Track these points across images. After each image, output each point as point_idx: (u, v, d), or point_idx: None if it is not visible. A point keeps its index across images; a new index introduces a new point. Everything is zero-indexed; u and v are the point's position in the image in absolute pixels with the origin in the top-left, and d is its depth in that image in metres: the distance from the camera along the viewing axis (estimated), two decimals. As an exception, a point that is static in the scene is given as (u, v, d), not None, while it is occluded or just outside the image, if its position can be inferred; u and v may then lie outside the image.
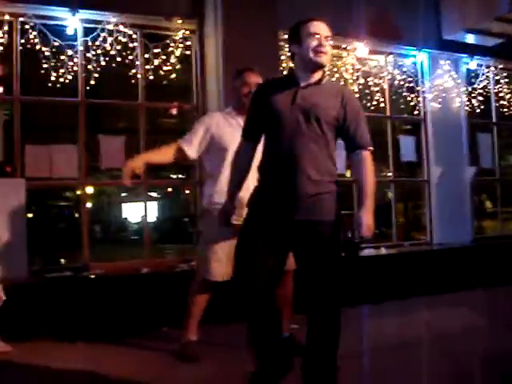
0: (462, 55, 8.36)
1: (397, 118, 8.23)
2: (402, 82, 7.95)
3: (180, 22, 6.36)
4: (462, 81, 8.32)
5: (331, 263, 3.06)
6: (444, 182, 8.00)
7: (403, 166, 8.33)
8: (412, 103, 8.07)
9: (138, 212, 8.41)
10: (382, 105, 7.82)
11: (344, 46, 7.44)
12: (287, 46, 6.70)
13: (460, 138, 8.24)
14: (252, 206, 3.12)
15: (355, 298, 5.82)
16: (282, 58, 6.86)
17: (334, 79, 7.45)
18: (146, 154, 4.36)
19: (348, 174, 7.80)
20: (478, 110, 8.53)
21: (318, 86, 3.05)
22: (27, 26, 5.78)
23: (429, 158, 8.12)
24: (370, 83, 7.72)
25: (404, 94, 7.99)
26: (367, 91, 7.70)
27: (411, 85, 8.02)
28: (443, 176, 7.99)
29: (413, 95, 8.03)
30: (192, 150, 4.19)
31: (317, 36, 3.00)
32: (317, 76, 3.05)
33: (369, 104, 7.71)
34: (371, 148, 3.21)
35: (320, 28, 3.05)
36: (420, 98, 8.09)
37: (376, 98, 7.73)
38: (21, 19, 5.79)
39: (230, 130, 4.10)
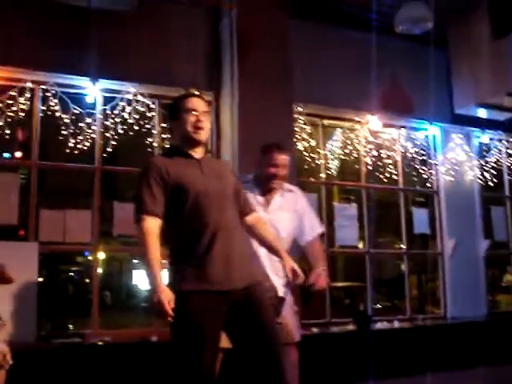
0: (474, 129, 8.45)
1: (409, 190, 8.25)
2: (414, 155, 8.01)
3: (197, 93, 6.49)
4: (475, 154, 8.38)
5: None
6: (458, 254, 7.93)
7: (416, 238, 8.29)
8: (425, 176, 8.10)
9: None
10: (395, 177, 7.86)
11: (357, 119, 7.55)
12: (301, 117, 6.94)
13: (473, 210, 8.23)
14: None
15: (365, 372, 5.70)
16: (296, 129, 6.97)
17: (347, 151, 7.53)
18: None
19: (360, 245, 7.78)
20: (491, 184, 8.54)
21: (210, 159, 3.25)
22: (48, 94, 5.94)
23: (442, 231, 8.08)
24: (383, 155, 7.78)
25: (416, 166, 8.04)
26: (380, 163, 7.76)
27: (424, 158, 8.08)
28: (457, 249, 7.93)
29: (425, 168, 8.08)
30: None
31: (194, 112, 3.03)
32: (200, 151, 3.10)
33: (382, 176, 7.76)
34: None
35: (198, 104, 3.07)
36: (433, 171, 8.13)
37: (389, 170, 7.78)
38: (42, 87, 5.96)
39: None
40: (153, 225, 2.84)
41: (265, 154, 4.04)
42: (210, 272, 2.83)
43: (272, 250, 3.29)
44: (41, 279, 6.38)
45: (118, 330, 5.88)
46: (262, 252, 3.68)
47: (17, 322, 5.04)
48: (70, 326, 6.05)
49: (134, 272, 12.20)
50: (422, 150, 8.09)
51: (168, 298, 2.72)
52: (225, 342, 3.41)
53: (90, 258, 6.59)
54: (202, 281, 2.82)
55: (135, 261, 11.57)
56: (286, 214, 4.04)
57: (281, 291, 3.90)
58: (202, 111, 3.04)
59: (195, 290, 2.80)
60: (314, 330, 6.47)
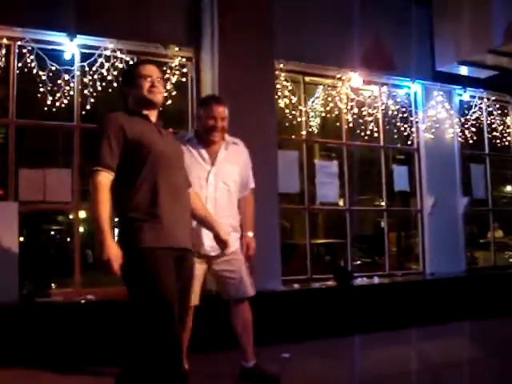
0: (456, 87, 8.46)
1: (390, 147, 8.27)
2: (395, 113, 8.02)
3: (177, 49, 6.42)
4: (455, 112, 8.40)
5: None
6: (437, 211, 8.02)
7: (396, 195, 8.36)
8: (405, 133, 8.13)
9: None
10: (376, 134, 7.87)
11: (338, 76, 7.51)
12: (283, 74, 6.88)
13: (453, 168, 8.29)
14: None
15: (346, 327, 5.80)
16: (278, 85, 6.92)
17: (328, 108, 7.51)
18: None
19: (341, 202, 7.83)
20: (471, 141, 8.60)
21: (162, 125, 3.27)
22: (25, 50, 5.82)
23: (422, 188, 8.15)
24: (364, 113, 7.78)
25: (398, 124, 8.05)
26: (361, 121, 7.76)
27: (405, 115, 8.09)
28: (436, 206, 8.01)
29: (406, 125, 8.09)
30: None
31: (148, 79, 3.16)
32: (155, 114, 3.23)
33: (363, 133, 7.77)
34: None
35: (152, 70, 3.21)
36: (413, 129, 8.15)
37: (370, 127, 7.78)
38: (19, 43, 5.83)
39: (190, 160, 3.89)
40: (106, 179, 2.90)
41: (203, 107, 4.13)
42: (164, 230, 2.92)
43: (205, 222, 3.46)
44: (22, 239, 6.36)
45: (100, 288, 5.88)
46: (210, 209, 3.81)
47: (-2, 282, 5.03)
48: (53, 286, 6.06)
49: (116, 231, 12.18)
50: (403, 107, 8.10)
51: (117, 254, 2.78)
52: (195, 299, 3.86)
53: (71, 216, 6.56)
54: (158, 238, 2.89)
55: (116, 219, 11.52)
56: (232, 167, 4.15)
57: (234, 246, 4.06)
58: (156, 77, 3.18)
59: (153, 247, 2.87)
60: (295, 285, 6.54)
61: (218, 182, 4.06)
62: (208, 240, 3.83)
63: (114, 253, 2.76)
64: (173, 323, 2.82)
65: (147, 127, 3.09)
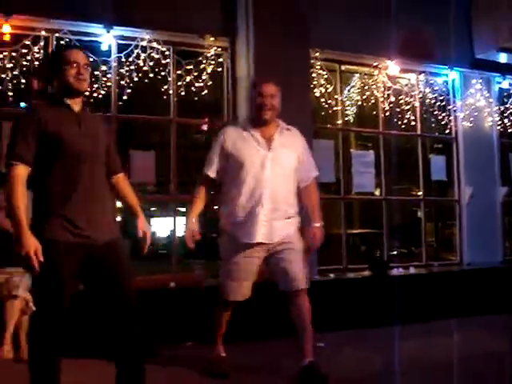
0: (495, 74, 8.30)
1: (428, 136, 8.17)
2: (433, 101, 7.92)
3: (212, 39, 6.44)
4: (494, 100, 8.25)
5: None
6: (475, 201, 7.91)
7: (433, 185, 8.26)
8: (443, 122, 8.02)
9: (167, 227, 8.46)
10: (413, 123, 7.79)
11: (375, 64, 7.44)
12: (318, 62, 6.85)
13: (492, 157, 8.16)
14: None
15: (381, 318, 5.77)
16: (313, 75, 6.89)
17: (364, 97, 7.45)
18: (192, 212, 4.08)
19: (377, 192, 7.78)
20: (510, 130, 8.44)
21: (87, 114, 3.16)
22: (63, 42, 5.89)
23: (460, 177, 8.04)
24: (401, 102, 7.69)
25: (435, 112, 7.95)
26: (398, 110, 7.68)
27: (443, 103, 7.98)
28: (474, 196, 7.90)
29: (444, 114, 7.98)
30: (215, 175, 4.05)
31: (75, 65, 3.00)
32: (79, 102, 3.08)
33: (399, 122, 7.69)
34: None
35: (78, 56, 3.05)
36: (451, 117, 8.03)
37: (407, 116, 7.70)
38: (56, 35, 5.92)
39: (245, 145, 3.92)
40: (23, 172, 2.85)
41: (253, 88, 4.08)
42: (72, 225, 2.90)
43: (131, 209, 3.36)
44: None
45: (137, 276, 5.94)
46: (266, 196, 3.81)
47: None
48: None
49: (152, 220, 12.30)
50: (440, 95, 7.98)
51: (35, 248, 2.75)
52: (246, 292, 4.00)
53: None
54: (65, 232, 2.89)
55: (152, 208, 11.65)
56: (289, 153, 3.98)
57: (290, 236, 3.94)
58: (83, 63, 3.03)
59: (57, 240, 2.86)
60: (331, 275, 6.54)
61: (275, 168, 3.88)
62: (262, 228, 3.80)
63: (33, 246, 2.75)
64: (51, 311, 2.91)
65: (66, 118, 2.99)
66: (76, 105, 3.05)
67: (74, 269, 2.91)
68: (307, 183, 4.11)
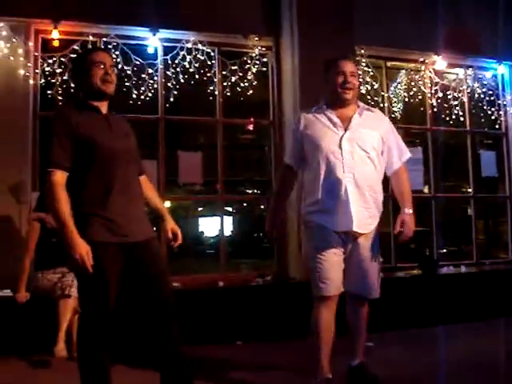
0: (545, 67, 8.08)
1: (477, 132, 8.01)
2: (482, 96, 7.76)
3: (257, 39, 6.46)
4: (545, 94, 8.03)
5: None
6: (527, 197, 7.73)
7: (484, 181, 8.10)
8: (493, 117, 7.85)
9: (215, 226, 8.53)
10: (462, 119, 7.65)
11: (421, 59, 7.33)
12: (364, 60, 6.79)
13: (544, 152, 7.96)
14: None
15: (432, 317, 5.69)
16: (359, 72, 6.83)
17: (411, 93, 7.36)
18: (274, 205, 3.81)
19: (426, 189, 7.67)
20: None
21: (114, 116, 3.17)
22: (110, 46, 6.01)
23: (511, 174, 7.86)
24: (449, 97, 7.57)
25: (484, 107, 7.79)
26: (446, 105, 7.56)
27: (492, 98, 7.81)
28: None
29: (493, 109, 7.82)
30: (291, 161, 3.77)
31: (102, 66, 3.01)
32: (106, 104, 3.10)
33: (448, 118, 7.56)
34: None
35: (105, 57, 3.06)
36: (501, 112, 7.86)
37: (455, 112, 7.57)
38: (104, 39, 6.03)
39: (319, 127, 3.60)
40: (61, 178, 2.90)
41: (329, 67, 3.71)
42: (112, 225, 2.95)
43: (157, 211, 3.36)
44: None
45: (186, 276, 6.02)
46: (349, 179, 3.48)
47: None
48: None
49: (200, 219, 12.43)
50: (489, 90, 7.81)
51: (87, 250, 2.80)
52: (337, 287, 3.56)
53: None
54: (107, 232, 2.93)
55: (200, 208, 11.77)
56: (371, 132, 3.61)
57: (373, 233, 3.66)
58: (109, 64, 3.06)
59: (100, 241, 2.90)
60: (380, 274, 6.46)
61: (355, 148, 3.52)
62: (354, 214, 3.49)
63: (84, 248, 2.80)
64: (101, 310, 2.94)
65: (96, 121, 3.03)
66: (103, 107, 3.09)
67: (117, 268, 2.96)
68: (396, 168, 3.77)
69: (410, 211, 3.71)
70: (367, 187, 3.55)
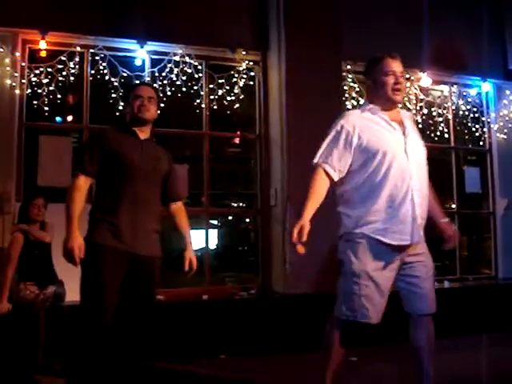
0: (529, 85, 8.18)
1: (461, 148, 8.09)
2: (466, 113, 7.84)
3: (244, 53, 6.48)
4: (529, 111, 8.13)
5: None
6: (510, 214, 7.78)
7: (468, 197, 8.16)
8: (477, 134, 7.93)
9: (199, 239, 8.49)
10: (446, 135, 7.72)
11: (407, 76, 7.39)
12: (350, 75, 6.84)
13: (527, 169, 8.03)
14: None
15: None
16: (345, 87, 6.88)
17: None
18: (307, 209, 3.15)
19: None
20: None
21: (153, 142, 3.56)
22: (97, 58, 6.01)
23: (494, 190, 7.93)
24: (434, 113, 7.64)
25: (469, 124, 7.87)
26: (431, 121, 7.62)
27: (476, 115, 7.89)
28: (509, 208, 7.78)
29: (478, 126, 7.90)
30: (334, 168, 3.26)
31: (140, 98, 3.46)
32: (147, 131, 3.52)
33: (432, 134, 7.63)
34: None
35: (144, 90, 3.53)
36: (485, 129, 7.94)
37: (440, 128, 7.64)
38: (91, 51, 6.03)
39: (377, 129, 3.26)
40: (83, 182, 3.27)
41: (375, 66, 3.43)
42: (119, 233, 3.22)
43: (182, 239, 3.69)
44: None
45: (170, 289, 5.99)
46: (415, 187, 3.16)
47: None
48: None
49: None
50: (474, 107, 7.90)
51: (79, 245, 3.10)
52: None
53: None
54: (111, 238, 3.20)
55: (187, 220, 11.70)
56: (418, 140, 3.38)
57: (423, 242, 3.35)
58: (146, 96, 3.47)
59: (104, 244, 3.19)
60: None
61: (415, 155, 3.24)
62: (416, 226, 3.19)
63: (77, 242, 3.10)
64: (99, 311, 3.12)
65: (130, 142, 3.39)
66: (143, 132, 3.47)
67: (118, 274, 3.19)
68: None
69: (447, 220, 3.54)
70: (425, 196, 3.27)
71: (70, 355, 3.34)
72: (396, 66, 3.35)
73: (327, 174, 3.25)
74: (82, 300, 3.24)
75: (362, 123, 3.27)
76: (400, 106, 3.48)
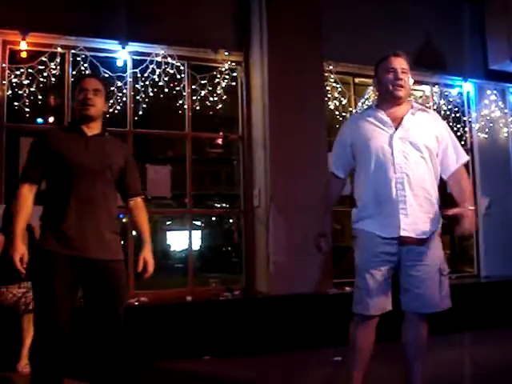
0: (509, 85, 8.25)
1: (443, 148, 8.14)
2: (447, 112, 7.88)
3: (226, 54, 6.48)
4: (509, 111, 8.20)
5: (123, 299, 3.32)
6: (492, 213, 7.85)
7: (449, 196, 8.19)
8: (458, 133, 7.98)
9: (183, 240, 8.47)
10: (428, 135, 7.76)
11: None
12: (332, 76, 6.86)
13: (508, 168, 8.10)
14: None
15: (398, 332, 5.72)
16: (327, 87, 6.90)
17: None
18: (326, 210, 3.65)
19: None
20: (526, 140, 8.38)
21: (103, 137, 3.32)
22: (79, 58, 5.97)
23: (476, 189, 7.99)
24: (416, 113, 7.67)
25: (450, 124, 7.91)
26: (413, 121, 7.66)
27: (457, 115, 7.95)
28: (491, 207, 7.84)
29: (459, 125, 7.96)
30: (339, 170, 3.54)
31: (83, 91, 3.25)
32: (96, 126, 3.29)
33: (414, 134, 7.66)
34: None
35: (89, 83, 3.29)
36: (466, 128, 8.00)
37: (421, 127, 7.67)
38: (73, 51, 5.99)
39: (368, 127, 3.36)
40: (27, 191, 3.16)
41: (379, 66, 3.48)
42: (67, 238, 3.09)
43: (140, 236, 3.46)
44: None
45: (153, 290, 5.97)
46: (401, 180, 3.21)
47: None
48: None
49: (168, 233, 12.35)
50: (455, 106, 7.95)
51: (20, 254, 3.05)
52: (387, 303, 3.30)
53: (124, 220, 6.68)
54: (58, 243, 3.08)
55: (169, 222, 11.69)
56: (424, 130, 3.36)
57: (422, 230, 3.35)
58: (92, 89, 3.26)
59: (52, 251, 3.07)
60: (347, 288, 6.50)
61: (407, 147, 3.26)
62: (404, 217, 3.23)
63: (19, 251, 3.05)
64: (50, 317, 3.02)
65: (73, 140, 3.20)
66: (91, 128, 3.26)
67: (69, 280, 3.06)
68: (453, 170, 3.53)
69: (472, 207, 3.49)
70: (421, 189, 3.30)
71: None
72: (398, 63, 3.42)
73: (337, 176, 3.56)
74: (34, 306, 3.20)
75: (357, 124, 3.43)
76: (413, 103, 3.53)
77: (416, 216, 3.27)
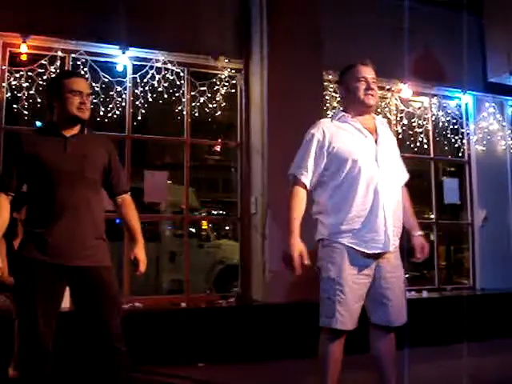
0: (508, 98, 8.28)
1: (440, 159, 8.16)
2: (446, 124, 7.90)
3: (226, 61, 6.49)
4: (507, 123, 8.22)
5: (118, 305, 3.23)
6: (488, 225, 7.86)
7: (446, 208, 8.22)
8: (456, 145, 8.00)
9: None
10: (426, 146, 7.78)
11: (388, 87, 7.45)
12: (331, 85, 6.87)
13: (505, 180, 8.11)
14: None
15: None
16: (327, 97, 6.91)
17: (377, 119, 7.45)
18: (294, 228, 3.19)
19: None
20: (524, 154, 8.40)
21: (82, 136, 3.18)
22: (79, 62, 5.96)
23: (473, 201, 8.00)
24: (414, 124, 7.69)
25: (448, 135, 7.94)
26: (411, 132, 7.68)
27: (455, 127, 7.96)
28: (487, 219, 7.85)
29: (457, 137, 7.97)
30: (308, 179, 3.30)
31: (78, 94, 3.09)
32: (76, 129, 3.15)
33: (412, 145, 7.68)
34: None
35: (82, 85, 3.14)
36: (464, 140, 8.02)
37: (419, 139, 7.69)
38: (73, 55, 5.98)
39: (348, 137, 3.29)
40: (4, 200, 3.04)
41: (346, 74, 3.48)
42: (47, 245, 2.98)
43: (130, 233, 3.36)
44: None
45: (148, 296, 5.96)
46: (384, 195, 3.19)
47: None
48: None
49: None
50: (453, 118, 7.97)
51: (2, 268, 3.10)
52: (353, 322, 3.18)
53: (120, 225, 6.66)
54: (39, 251, 2.99)
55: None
56: (391, 148, 3.43)
57: (394, 244, 3.32)
58: (86, 93, 3.13)
59: (31, 258, 2.99)
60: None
61: (386, 163, 3.26)
62: (387, 233, 3.21)
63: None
64: (31, 324, 2.96)
65: (50, 143, 3.08)
66: (72, 131, 3.13)
67: (48, 287, 2.98)
68: (404, 182, 3.57)
69: (421, 233, 3.59)
70: (397, 203, 3.32)
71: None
72: (368, 72, 3.41)
73: (302, 184, 3.28)
74: (16, 312, 3.20)
75: (333, 131, 3.31)
76: (380, 116, 3.51)
77: (391, 230, 3.26)
